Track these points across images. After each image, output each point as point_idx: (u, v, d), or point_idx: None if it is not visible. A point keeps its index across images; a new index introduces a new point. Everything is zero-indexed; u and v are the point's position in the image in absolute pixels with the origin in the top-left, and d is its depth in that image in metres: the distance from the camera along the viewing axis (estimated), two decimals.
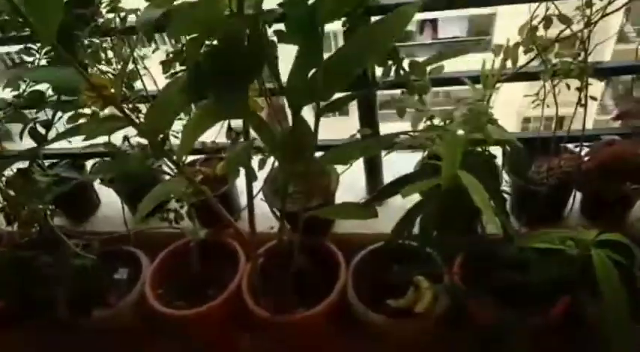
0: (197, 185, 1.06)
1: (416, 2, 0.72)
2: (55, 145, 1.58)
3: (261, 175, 1.33)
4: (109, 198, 1.63)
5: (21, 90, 1.04)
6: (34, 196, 1.12)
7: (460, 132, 0.75)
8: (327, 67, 0.85)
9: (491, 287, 1.06)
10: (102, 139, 1.54)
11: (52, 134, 1.27)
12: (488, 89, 1.00)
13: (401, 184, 0.86)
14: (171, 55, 1.04)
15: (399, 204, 1.43)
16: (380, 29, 0.79)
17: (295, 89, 0.90)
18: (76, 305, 1.35)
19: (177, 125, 1.04)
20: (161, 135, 0.97)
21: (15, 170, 1.23)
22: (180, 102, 0.93)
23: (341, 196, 1.42)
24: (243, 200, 1.51)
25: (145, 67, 1.18)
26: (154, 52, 1.10)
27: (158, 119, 0.93)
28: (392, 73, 1.09)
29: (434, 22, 11.43)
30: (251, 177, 1.11)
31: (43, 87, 1.14)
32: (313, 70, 0.87)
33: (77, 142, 1.61)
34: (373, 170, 1.40)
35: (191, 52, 0.88)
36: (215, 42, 0.92)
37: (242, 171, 1.42)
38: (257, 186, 1.43)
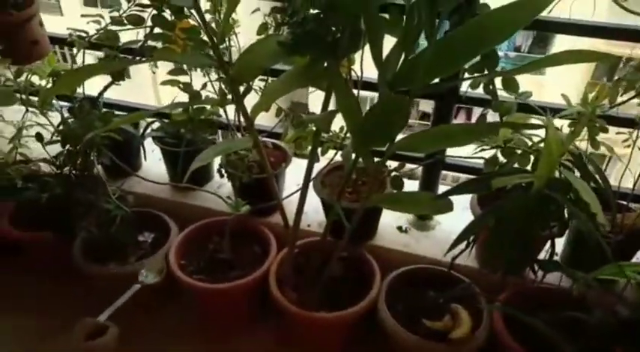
0: (262, 150, 1.03)
1: None
2: (117, 97, 1.59)
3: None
4: (153, 163, 1.60)
5: (121, 12, 1.05)
6: (92, 126, 1.10)
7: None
8: (434, 52, 0.83)
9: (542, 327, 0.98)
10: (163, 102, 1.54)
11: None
12: (581, 126, 0.96)
13: (483, 181, 0.81)
14: (271, 17, 1.04)
15: (444, 233, 1.40)
16: (502, 15, 0.77)
17: (391, 68, 0.89)
18: (93, 252, 1.30)
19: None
20: (244, 85, 0.95)
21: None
22: (275, 53, 0.92)
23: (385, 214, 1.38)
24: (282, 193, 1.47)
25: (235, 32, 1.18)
26: (253, 12, 1.11)
27: (249, 65, 0.92)
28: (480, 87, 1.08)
29: None
30: (313, 158, 1.08)
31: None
32: (412, 55, 0.87)
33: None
34: (429, 184, 1.35)
35: (306, 3, 0.87)
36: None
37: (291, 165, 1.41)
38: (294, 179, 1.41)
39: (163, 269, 1.17)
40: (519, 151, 1.00)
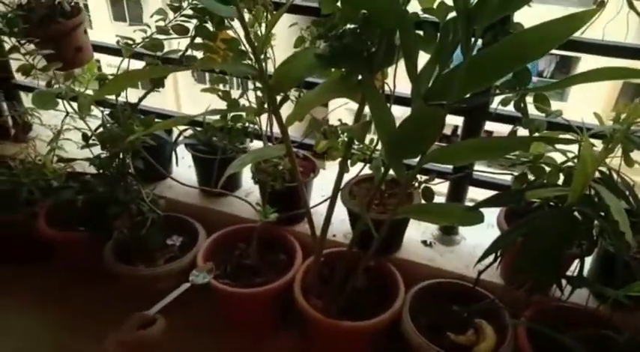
0: (294, 158, 1.05)
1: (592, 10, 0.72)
2: (153, 104, 1.64)
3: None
4: (183, 169, 1.64)
5: (167, 22, 1.10)
6: (133, 130, 1.14)
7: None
8: (468, 68, 0.85)
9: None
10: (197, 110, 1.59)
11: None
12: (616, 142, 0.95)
13: (515, 194, 0.82)
14: (307, 31, 1.08)
15: (469, 248, 1.41)
16: (536, 34, 0.79)
17: (424, 82, 0.92)
18: (123, 253, 1.34)
19: None
20: (281, 95, 0.98)
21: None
22: (312, 65, 0.95)
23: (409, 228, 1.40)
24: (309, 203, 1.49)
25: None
26: (290, 26, 1.15)
27: (287, 75, 0.96)
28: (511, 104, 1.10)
29: None
30: (344, 168, 1.10)
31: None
32: (446, 70, 0.90)
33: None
34: (456, 199, 1.36)
35: (344, 18, 0.90)
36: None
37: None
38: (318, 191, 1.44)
39: (212, 269, 1.19)
40: (548, 169, 1.01)
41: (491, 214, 1.45)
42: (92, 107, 1.34)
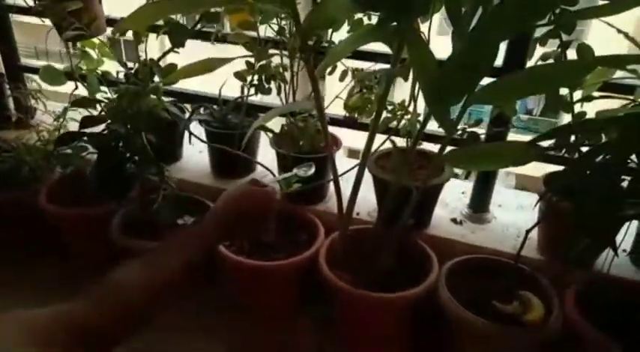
0: (322, 108, 0.98)
1: None
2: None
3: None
4: (195, 152, 1.59)
5: None
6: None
7: None
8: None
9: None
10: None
11: None
12: None
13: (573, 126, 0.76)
14: None
15: (500, 226, 1.33)
16: None
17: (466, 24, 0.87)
18: (130, 229, 1.26)
19: None
20: (313, 39, 0.92)
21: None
22: (346, 7, 0.90)
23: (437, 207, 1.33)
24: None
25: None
26: None
27: (320, 16, 0.90)
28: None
29: None
30: (375, 128, 1.04)
31: None
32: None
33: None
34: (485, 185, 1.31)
35: None
36: None
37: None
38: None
39: (312, 166, 1.13)
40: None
41: (521, 198, 1.42)
42: (99, 87, 1.28)
